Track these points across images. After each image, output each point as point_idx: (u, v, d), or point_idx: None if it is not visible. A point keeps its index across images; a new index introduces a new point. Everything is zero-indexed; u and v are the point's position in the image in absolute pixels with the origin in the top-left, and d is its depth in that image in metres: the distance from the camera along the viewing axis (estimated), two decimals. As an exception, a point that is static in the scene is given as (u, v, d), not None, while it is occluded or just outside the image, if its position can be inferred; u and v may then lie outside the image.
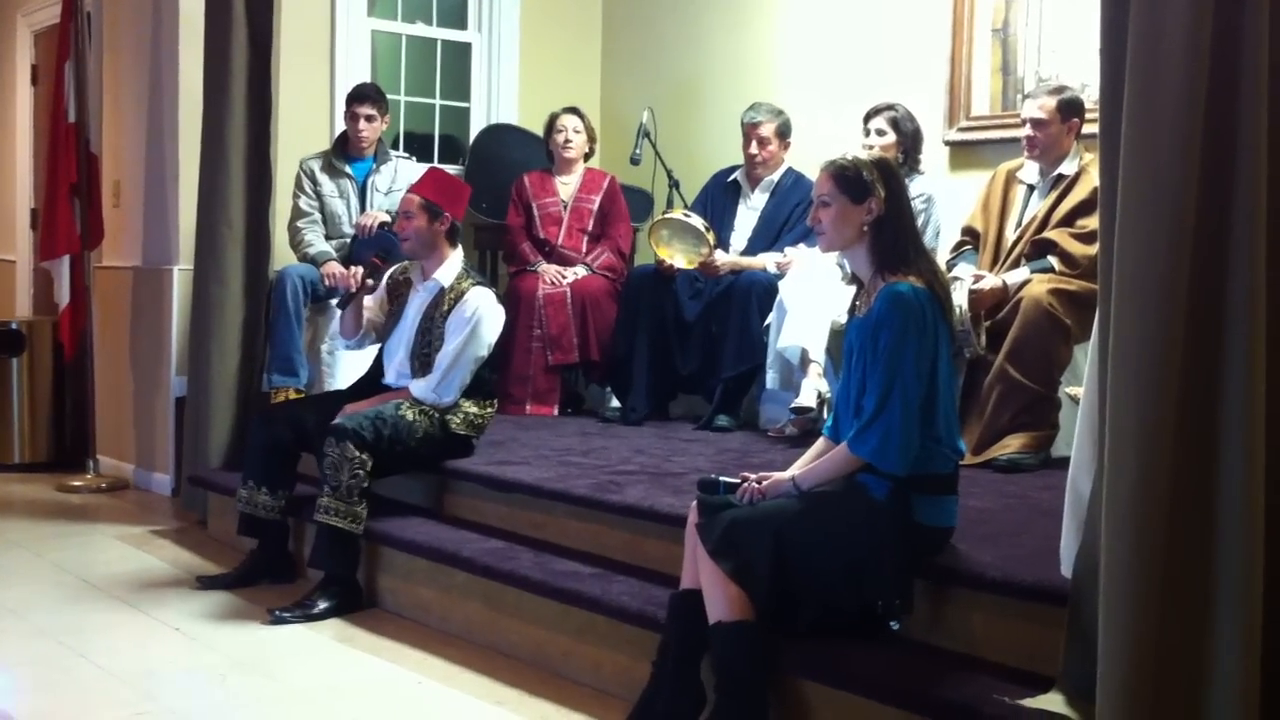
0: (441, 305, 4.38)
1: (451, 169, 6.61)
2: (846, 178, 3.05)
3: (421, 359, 4.39)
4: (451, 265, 4.45)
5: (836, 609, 2.98)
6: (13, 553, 4.89)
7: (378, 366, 4.63)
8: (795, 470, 3.11)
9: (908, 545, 2.94)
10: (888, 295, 2.96)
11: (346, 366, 5.48)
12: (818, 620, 2.98)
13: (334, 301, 4.44)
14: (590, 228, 5.95)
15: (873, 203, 3.03)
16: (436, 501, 4.50)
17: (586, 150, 6.04)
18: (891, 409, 2.89)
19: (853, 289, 3.21)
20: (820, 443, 3.21)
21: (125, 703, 3.34)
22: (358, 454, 4.11)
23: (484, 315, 4.36)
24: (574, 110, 6.01)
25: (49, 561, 4.76)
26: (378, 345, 4.66)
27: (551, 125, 6.02)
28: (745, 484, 3.08)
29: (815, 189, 3.13)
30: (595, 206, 5.96)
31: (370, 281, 4.51)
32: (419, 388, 4.34)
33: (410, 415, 4.26)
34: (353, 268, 4.50)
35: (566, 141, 5.94)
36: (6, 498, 5.97)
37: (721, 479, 3.15)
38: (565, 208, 5.95)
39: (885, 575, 2.90)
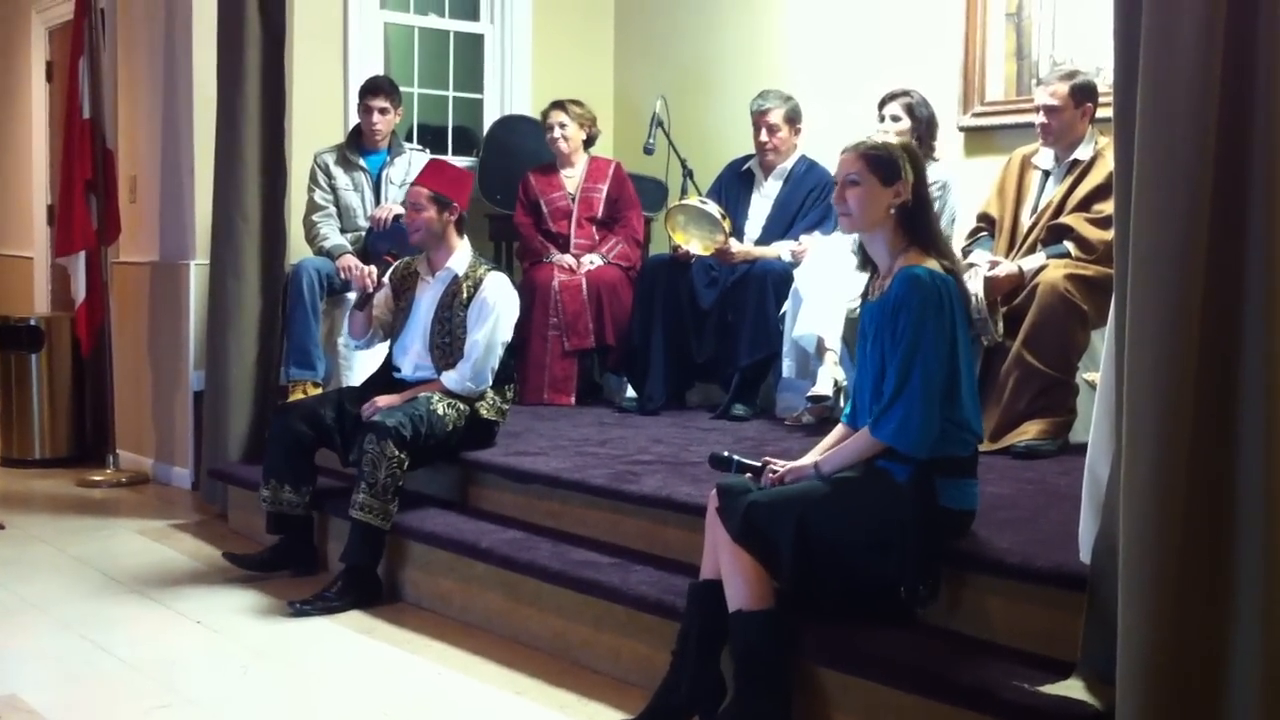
0: (460, 294, 4.39)
1: (466, 160, 6.63)
2: (878, 159, 3.02)
3: (441, 349, 4.41)
4: (462, 254, 4.47)
5: (859, 590, 2.98)
6: (35, 547, 4.93)
7: (388, 363, 4.64)
8: (815, 456, 3.11)
9: (932, 530, 2.93)
10: (905, 278, 2.95)
11: (364, 359, 5.50)
12: (840, 601, 2.98)
13: (351, 299, 4.45)
14: (600, 215, 5.94)
15: (900, 186, 3.02)
16: (456, 493, 4.50)
17: (584, 138, 5.98)
18: (911, 391, 2.88)
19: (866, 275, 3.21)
20: (838, 430, 3.21)
21: (147, 694, 3.37)
22: (397, 453, 4.12)
23: (505, 300, 4.42)
24: (560, 105, 5.92)
25: (70, 556, 4.79)
26: (385, 342, 4.68)
27: (543, 124, 6.00)
28: (765, 472, 3.08)
29: (841, 168, 3.07)
30: (603, 195, 5.95)
31: (385, 279, 4.52)
32: (452, 379, 4.35)
33: (441, 409, 4.27)
34: (368, 267, 4.52)
35: (554, 139, 5.92)
36: (28, 493, 6.01)
37: (734, 457, 3.15)
38: (573, 199, 5.94)
39: (910, 561, 2.90)
